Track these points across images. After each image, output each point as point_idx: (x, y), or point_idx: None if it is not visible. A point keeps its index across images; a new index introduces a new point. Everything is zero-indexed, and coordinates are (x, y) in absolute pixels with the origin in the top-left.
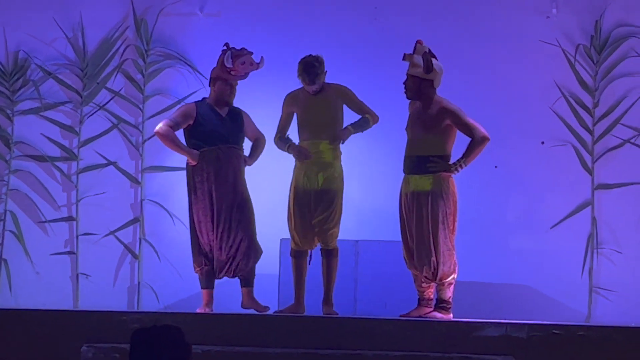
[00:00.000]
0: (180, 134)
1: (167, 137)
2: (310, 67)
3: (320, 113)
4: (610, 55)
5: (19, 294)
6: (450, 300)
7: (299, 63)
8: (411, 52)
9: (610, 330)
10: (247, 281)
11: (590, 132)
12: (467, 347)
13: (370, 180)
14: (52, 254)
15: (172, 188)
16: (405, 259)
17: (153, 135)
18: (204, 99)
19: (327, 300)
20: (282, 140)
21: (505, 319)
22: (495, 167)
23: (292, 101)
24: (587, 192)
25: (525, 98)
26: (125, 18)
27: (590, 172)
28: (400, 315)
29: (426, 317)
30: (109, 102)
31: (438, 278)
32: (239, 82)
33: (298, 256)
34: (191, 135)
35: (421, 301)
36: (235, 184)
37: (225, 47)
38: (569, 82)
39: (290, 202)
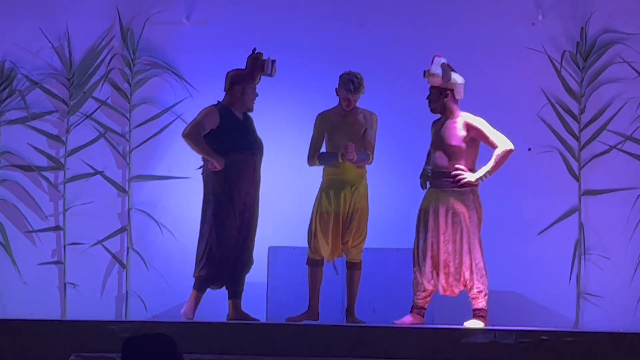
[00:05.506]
0: None
1: (197, 141)
2: (354, 77)
3: (348, 134)
4: (596, 61)
5: (7, 304)
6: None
7: (341, 75)
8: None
9: (598, 336)
10: (236, 293)
11: (577, 138)
12: (455, 354)
13: None
14: (39, 264)
15: (160, 197)
16: (421, 271)
17: (140, 144)
18: (219, 102)
19: (350, 311)
20: (324, 155)
21: (493, 326)
22: None
23: (321, 121)
24: (574, 198)
25: (512, 105)
26: (111, 27)
27: (577, 178)
28: (394, 322)
29: (469, 326)
30: (95, 112)
31: (478, 290)
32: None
33: (315, 264)
34: (212, 139)
35: (416, 309)
36: (256, 191)
37: (257, 52)
38: (555, 89)
39: (313, 219)
